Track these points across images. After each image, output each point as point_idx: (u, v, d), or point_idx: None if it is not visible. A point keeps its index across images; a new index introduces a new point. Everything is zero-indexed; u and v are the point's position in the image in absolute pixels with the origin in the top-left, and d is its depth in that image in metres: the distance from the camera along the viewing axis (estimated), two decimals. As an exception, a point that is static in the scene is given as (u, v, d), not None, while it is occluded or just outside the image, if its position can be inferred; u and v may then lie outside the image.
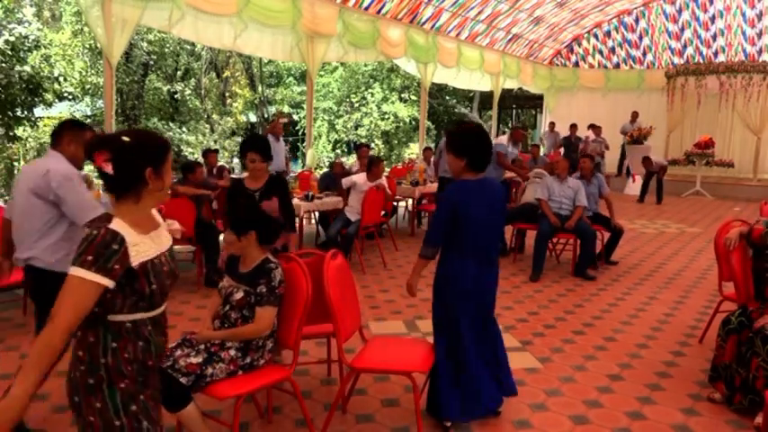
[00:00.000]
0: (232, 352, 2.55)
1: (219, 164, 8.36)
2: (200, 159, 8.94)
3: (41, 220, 2.76)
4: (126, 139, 1.63)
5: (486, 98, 20.30)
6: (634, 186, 13.20)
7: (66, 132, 2.86)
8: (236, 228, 2.67)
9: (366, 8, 8.88)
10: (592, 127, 12.35)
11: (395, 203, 8.38)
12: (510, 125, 26.55)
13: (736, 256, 3.60)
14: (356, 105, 20.00)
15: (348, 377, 2.88)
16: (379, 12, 9.13)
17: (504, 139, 7.40)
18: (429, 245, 2.89)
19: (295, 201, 6.47)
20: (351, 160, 14.57)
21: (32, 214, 2.75)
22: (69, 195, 2.71)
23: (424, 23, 10.34)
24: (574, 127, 12.64)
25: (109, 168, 1.60)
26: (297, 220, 6.47)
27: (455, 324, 2.89)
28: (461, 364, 2.90)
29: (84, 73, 15.26)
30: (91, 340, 1.64)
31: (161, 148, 1.69)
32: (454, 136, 2.94)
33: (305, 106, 10.49)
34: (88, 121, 16.04)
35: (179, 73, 18.25)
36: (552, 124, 14.67)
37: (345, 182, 6.51)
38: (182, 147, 16.20)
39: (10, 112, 11.20)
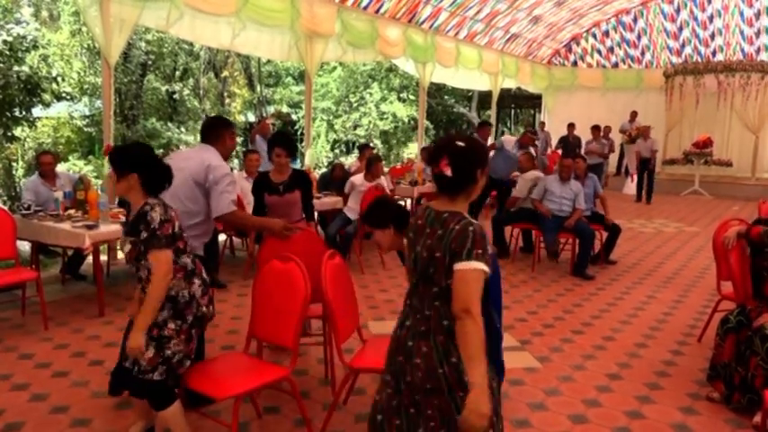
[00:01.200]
0: (171, 325, 2.45)
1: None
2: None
3: (194, 206, 3.05)
4: (461, 144, 1.85)
5: (484, 98, 20.29)
6: (633, 186, 13.21)
7: (226, 130, 3.25)
8: (115, 165, 2.48)
9: (365, 8, 8.87)
10: (595, 128, 12.12)
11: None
12: (508, 125, 26.57)
13: (735, 256, 3.61)
14: (355, 105, 19.99)
15: (347, 378, 2.88)
16: (377, 11, 9.12)
17: (511, 139, 7.49)
18: None
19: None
20: (350, 160, 14.57)
21: (190, 199, 3.04)
22: (219, 189, 3.03)
23: (423, 23, 10.33)
24: (571, 126, 12.62)
25: (448, 171, 1.82)
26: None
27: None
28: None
29: (82, 73, 15.21)
30: (445, 324, 1.86)
31: (486, 151, 1.94)
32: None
33: (303, 106, 10.47)
34: (86, 121, 16.02)
35: (177, 73, 18.22)
36: (542, 124, 14.67)
37: (347, 188, 6.55)
38: (180, 147, 16.17)
39: (8, 113, 11.17)
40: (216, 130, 3.23)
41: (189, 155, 3.30)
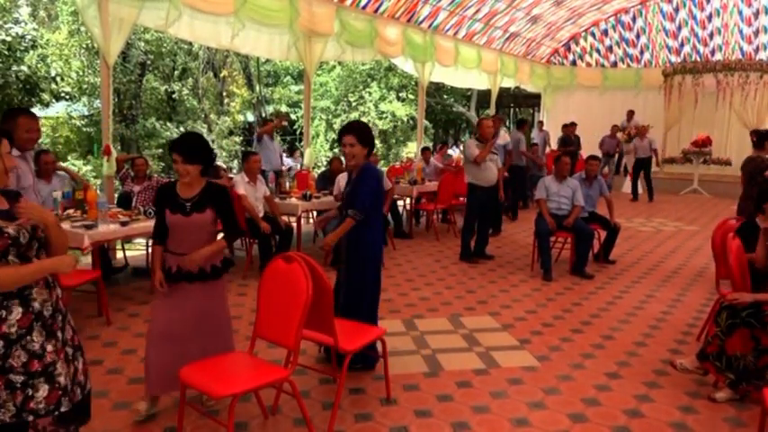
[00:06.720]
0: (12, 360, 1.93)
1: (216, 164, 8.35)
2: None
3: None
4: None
5: (483, 97, 20.31)
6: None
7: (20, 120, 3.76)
8: None
9: (363, 7, 8.87)
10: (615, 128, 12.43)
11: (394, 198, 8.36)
12: (508, 124, 26.57)
13: (733, 254, 3.60)
14: (354, 104, 19.99)
15: (346, 363, 2.93)
16: (376, 11, 9.12)
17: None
18: (366, 212, 3.42)
19: (293, 200, 6.49)
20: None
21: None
22: None
23: (422, 22, 10.33)
24: (573, 125, 12.60)
25: (754, 138, 4.62)
26: (293, 219, 6.51)
27: (379, 277, 3.59)
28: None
29: (81, 73, 15.20)
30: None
31: None
32: (365, 130, 3.51)
33: (302, 105, 10.47)
34: (85, 121, 16.01)
35: (176, 73, 18.20)
36: (540, 123, 14.67)
37: (335, 191, 6.48)
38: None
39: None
40: (8, 122, 3.67)
41: None
